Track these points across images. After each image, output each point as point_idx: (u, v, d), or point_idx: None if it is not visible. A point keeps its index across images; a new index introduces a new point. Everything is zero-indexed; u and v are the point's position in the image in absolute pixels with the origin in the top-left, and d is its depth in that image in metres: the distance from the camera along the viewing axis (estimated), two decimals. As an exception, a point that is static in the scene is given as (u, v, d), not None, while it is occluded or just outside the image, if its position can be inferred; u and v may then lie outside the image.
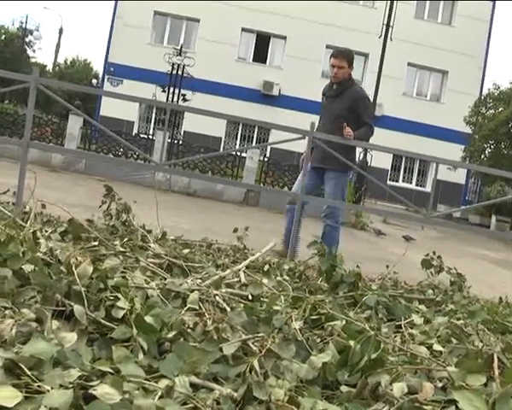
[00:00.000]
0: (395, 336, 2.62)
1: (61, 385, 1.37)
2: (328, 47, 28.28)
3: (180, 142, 15.39)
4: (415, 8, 28.87)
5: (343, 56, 5.45)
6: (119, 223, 4.14)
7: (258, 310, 2.17)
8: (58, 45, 47.35)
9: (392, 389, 1.76)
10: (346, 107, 5.36)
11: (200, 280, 2.54)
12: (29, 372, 1.38)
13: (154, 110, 27.57)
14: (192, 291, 2.23)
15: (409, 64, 29.02)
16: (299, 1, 26.64)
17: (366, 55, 28.35)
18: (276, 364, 1.81)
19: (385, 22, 19.70)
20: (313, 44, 26.95)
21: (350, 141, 5.20)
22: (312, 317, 2.48)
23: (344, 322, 2.40)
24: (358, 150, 21.49)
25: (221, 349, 1.78)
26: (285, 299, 2.70)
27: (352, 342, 2.00)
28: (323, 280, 3.73)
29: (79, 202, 6.01)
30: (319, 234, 5.34)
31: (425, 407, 1.71)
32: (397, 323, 2.97)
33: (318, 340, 2.25)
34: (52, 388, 1.34)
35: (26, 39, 42.12)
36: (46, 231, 3.17)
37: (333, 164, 5.35)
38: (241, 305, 2.32)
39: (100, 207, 4.25)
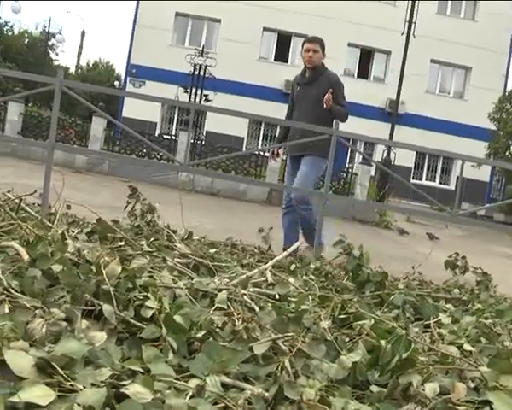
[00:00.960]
0: (424, 336, 2.59)
1: (92, 384, 1.37)
2: (349, 45, 28.25)
3: (203, 142, 15.44)
4: (437, 3, 28.58)
5: (317, 41, 5.57)
6: (144, 223, 4.17)
7: (287, 309, 2.16)
8: (80, 48, 47.99)
9: (424, 390, 1.74)
10: (324, 90, 5.38)
11: (227, 280, 2.53)
12: (61, 371, 1.39)
13: (177, 111, 27.72)
14: (220, 291, 2.22)
15: (431, 61, 28.76)
16: (321, 0, 26.57)
17: (388, 53, 28.21)
18: (306, 363, 1.80)
19: (407, 19, 19.52)
20: (335, 43, 26.82)
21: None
22: (340, 316, 2.47)
23: (372, 321, 2.37)
24: (382, 148, 21.44)
25: (251, 349, 1.77)
26: (312, 298, 2.68)
27: (382, 342, 1.97)
28: (349, 279, 3.71)
29: (104, 203, 6.06)
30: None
31: (458, 407, 1.69)
32: (425, 322, 2.94)
33: (347, 339, 2.23)
34: (84, 387, 1.34)
35: (49, 43, 42.68)
36: (73, 232, 3.19)
37: (312, 151, 5.38)
38: (269, 304, 2.31)
39: (125, 208, 4.28)
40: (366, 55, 29.29)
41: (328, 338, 2.05)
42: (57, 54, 44.68)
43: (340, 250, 3.90)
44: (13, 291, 2.04)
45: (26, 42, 41.15)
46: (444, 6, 29.17)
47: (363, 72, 29.32)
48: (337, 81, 5.59)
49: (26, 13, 54.60)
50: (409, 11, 19.64)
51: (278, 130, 27.57)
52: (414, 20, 19.51)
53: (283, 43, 27.87)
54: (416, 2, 19.54)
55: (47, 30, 42.12)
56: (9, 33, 39.70)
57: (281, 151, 6.23)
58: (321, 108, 5.36)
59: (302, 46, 5.61)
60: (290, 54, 27.74)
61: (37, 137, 13.85)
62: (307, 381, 1.66)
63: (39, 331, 1.68)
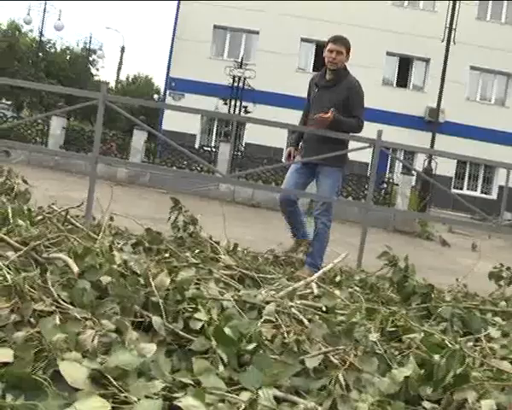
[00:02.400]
0: (475, 350, 2.52)
1: (146, 396, 1.37)
2: (388, 54, 28.00)
3: (242, 153, 15.50)
4: (477, 9, 28.10)
5: (342, 42, 5.19)
6: (187, 235, 4.18)
7: (336, 322, 2.13)
8: (120, 63, 48.68)
9: (480, 407, 1.68)
10: (343, 97, 5.09)
11: (273, 291, 2.52)
12: (115, 383, 1.39)
13: (216, 123, 27.92)
14: (267, 303, 2.21)
15: (471, 68, 28.25)
16: (354, 9, 26.49)
17: (427, 61, 27.86)
18: (358, 377, 1.77)
19: (447, 25, 19.27)
20: (373, 52, 26.67)
21: (318, 130, 5.03)
22: (389, 329, 2.42)
23: (422, 335, 2.32)
24: (422, 158, 21.15)
25: (301, 362, 1.75)
26: (359, 311, 2.64)
27: (434, 356, 1.92)
28: (395, 291, 3.65)
29: (145, 215, 6.12)
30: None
31: (517, 425, 1.63)
32: (475, 336, 2.86)
33: (396, 353, 2.19)
34: (139, 399, 1.34)
35: (90, 58, 43.56)
36: (118, 243, 3.22)
37: (328, 159, 5.05)
38: (316, 317, 2.28)
39: (168, 219, 4.31)
40: (405, 64, 28.99)
41: (378, 352, 2.01)
42: (97, 69, 45.54)
43: (385, 262, 3.84)
44: (63, 303, 2.06)
45: (67, 58, 42.08)
46: (484, 11, 28.65)
47: (402, 80, 29.02)
48: (356, 88, 5.22)
49: (68, 30, 56.02)
50: (449, 17, 19.38)
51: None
52: (454, 27, 19.24)
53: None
54: (457, 8, 19.27)
55: (88, 46, 43.06)
56: (52, 50, 40.67)
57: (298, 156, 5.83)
58: (338, 114, 5.05)
59: (325, 46, 5.23)
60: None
61: (79, 150, 14.12)
62: (359, 395, 1.63)
63: (91, 343, 1.70)
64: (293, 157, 5.49)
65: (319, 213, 5.17)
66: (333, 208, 5.28)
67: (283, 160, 5.60)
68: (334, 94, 5.12)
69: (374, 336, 2.09)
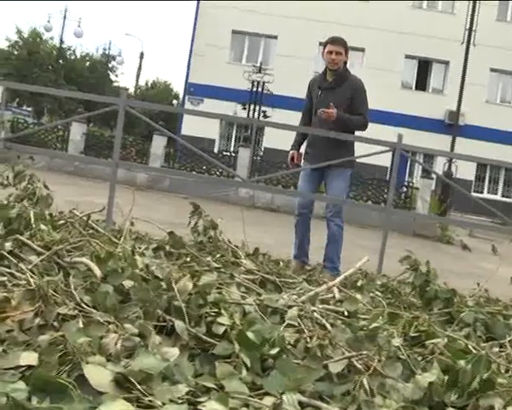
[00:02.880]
0: (499, 356, 2.48)
1: (170, 400, 1.37)
2: (407, 57, 27.85)
3: (261, 158, 15.50)
4: (497, 9, 27.82)
5: (340, 43, 5.20)
6: (207, 239, 4.19)
7: (358, 327, 2.11)
8: (139, 69, 48.92)
9: (506, 413, 1.66)
10: (347, 97, 5.09)
11: (295, 296, 2.51)
12: (139, 387, 1.39)
13: (235, 127, 27.99)
14: (289, 307, 2.20)
15: (491, 70, 27.98)
16: (374, 12, 26.41)
17: (446, 63, 27.66)
18: (382, 383, 1.75)
19: (467, 27, 19.12)
20: (392, 55, 26.57)
21: (337, 134, 4.99)
22: (412, 334, 2.40)
23: (445, 340, 2.30)
24: (442, 161, 20.99)
25: (324, 366, 1.74)
26: (381, 315, 2.62)
27: (458, 362, 1.90)
28: (417, 296, 3.62)
29: (165, 220, 6.13)
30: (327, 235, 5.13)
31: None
32: (499, 341, 2.83)
33: (420, 358, 2.17)
34: (163, 403, 1.34)
35: (109, 65, 43.93)
36: (139, 248, 3.24)
37: (338, 163, 5.06)
38: (339, 321, 2.27)
39: (189, 224, 4.31)
40: (424, 67, 28.81)
41: (402, 357, 1.99)
42: (117, 75, 45.82)
43: (406, 266, 3.80)
44: (86, 307, 2.08)
45: (87, 65, 42.47)
46: (504, 12, 28.35)
47: (422, 83, 28.84)
48: (360, 87, 5.22)
49: (88, 37, 56.66)
50: (468, 19, 19.23)
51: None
52: (474, 28, 19.09)
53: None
54: (476, 9, 19.11)
55: (107, 53, 43.46)
56: (72, 57, 41.09)
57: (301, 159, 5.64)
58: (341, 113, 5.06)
59: (324, 47, 5.23)
60: (347, 66, 27.56)
61: (98, 155, 14.23)
62: (384, 401, 1.61)
63: (114, 346, 1.71)
64: (297, 160, 5.50)
65: (332, 215, 5.16)
66: (344, 209, 5.29)
67: (301, 164, 5.51)
68: (337, 95, 5.13)
69: (397, 341, 2.08)
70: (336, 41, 5.21)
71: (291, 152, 5.49)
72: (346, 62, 5.31)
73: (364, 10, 26.87)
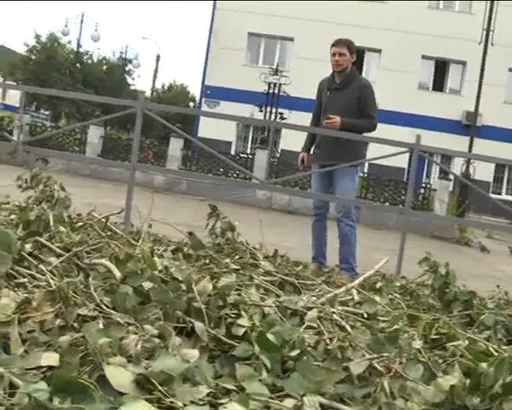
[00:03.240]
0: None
1: (191, 401, 1.37)
2: (424, 57, 27.68)
3: (278, 160, 15.49)
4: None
5: (343, 43, 5.23)
6: (224, 241, 4.19)
7: (378, 329, 2.10)
8: (156, 72, 49.26)
9: (530, 416, 1.64)
10: (355, 98, 5.12)
11: (314, 298, 2.50)
12: (161, 388, 1.40)
13: (251, 130, 28.02)
14: (309, 309, 2.19)
15: (510, 70, 27.70)
16: (391, 13, 26.29)
17: (464, 64, 27.45)
18: (403, 385, 1.74)
19: (484, 27, 18.96)
20: (408, 56, 26.43)
21: (354, 135, 5.04)
22: (432, 336, 2.38)
23: (467, 342, 2.27)
24: (460, 162, 20.82)
25: (345, 368, 1.73)
26: (401, 318, 2.60)
27: (480, 364, 1.88)
28: (436, 298, 3.59)
29: (183, 222, 6.16)
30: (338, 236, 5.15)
31: None
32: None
33: (440, 361, 2.15)
34: (185, 404, 1.34)
35: (126, 68, 44.19)
36: (158, 250, 3.25)
37: (343, 161, 5.08)
38: (358, 323, 2.26)
39: (206, 226, 4.32)
40: (441, 67, 28.62)
41: (423, 359, 1.97)
42: (133, 78, 46.06)
43: (425, 268, 3.77)
44: (105, 308, 2.09)
45: (104, 68, 42.75)
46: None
47: (439, 84, 28.65)
48: (367, 88, 5.25)
49: (105, 41, 57.13)
50: (486, 18, 19.07)
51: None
52: (492, 28, 18.93)
53: (358, 57, 27.49)
54: (494, 9, 18.94)
55: (124, 56, 43.73)
56: (89, 61, 41.39)
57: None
58: (352, 116, 5.11)
59: (330, 50, 5.28)
60: (364, 69, 27.47)
61: (116, 158, 14.32)
62: (405, 403, 1.60)
63: (134, 348, 1.71)
64: (306, 162, 5.56)
65: (342, 215, 5.16)
66: (355, 209, 5.31)
67: (313, 168, 5.55)
68: (345, 96, 5.17)
69: (417, 344, 2.06)
70: (339, 42, 5.25)
71: (301, 154, 5.55)
72: (354, 63, 5.33)
73: (381, 11, 26.78)
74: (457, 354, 2.20)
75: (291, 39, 28.06)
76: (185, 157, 15.29)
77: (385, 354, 1.81)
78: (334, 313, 2.23)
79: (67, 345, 1.75)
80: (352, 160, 5.13)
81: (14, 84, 28.25)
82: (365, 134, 5.42)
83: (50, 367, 1.65)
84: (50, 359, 1.67)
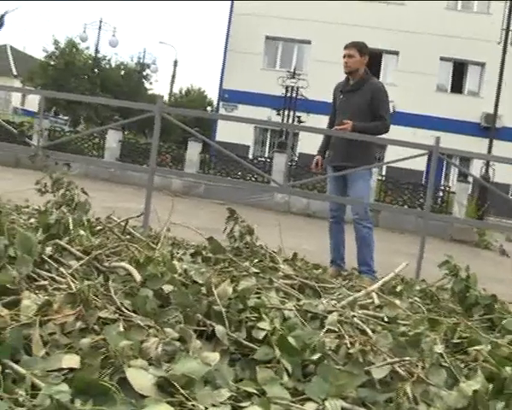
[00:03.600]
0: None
1: (213, 405, 1.37)
2: (442, 59, 27.45)
3: (296, 163, 15.48)
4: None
5: (352, 45, 5.28)
6: (243, 245, 4.19)
7: (399, 333, 2.08)
8: (173, 76, 49.35)
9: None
10: (367, 100, 5.14)
11: (334, 301, 2.49)
12: (182, 391, 1.39)
13: (269, 133, 28.01)
14: (329, 312, 2.18)
15: (529, 70, 27.38)
16: (409, 14, 26.14)
17: (482, 65, 27.19)
18: (425, 390, 1.71)
19: (503, 27, 18.78)
20: (426, 58, 26.24)
21: (372, 137, 5.06)
22: (454, 340, 2.35)
23: (489, 347, 2.24)
24: (479, 165, 20.63)
25: (367, 373, 1.71)
26: (422, 322, 2.58)
27: (503, 369, 1.85)
28: (457, 302, 3.55)
29: (202, 225, 6.16)
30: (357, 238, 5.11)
31: None
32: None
33: (462, 365, 2.12)
34: (206, 407, 1.34)
35: (144, 73, 44.41)
36: (177, 253, 3.26)
37: (357, 162, 5.09)
38: (379, 327, 2.24)
39: (225, 230, 4.32)
40: (459, 69, 28.36)
41: (445, 364, 1.95)
42: (151, 83, 46.17)
43: (445, 271, 3.74)
44: (126, 311, 2.09)
45: (122, 73, 42.96)
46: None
47: (457, 86, 28.38)
48: (381, 89, 5.27)
49: (123, 46, 57.46)
50: (505, 19, 18.88)
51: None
52: (511, 28, 18.75)
53: (374, 61, 27.40)
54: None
55: (141, 61, 43.94)
56: (107, 66, 41.64)
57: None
58: (365, 118, 5.12)
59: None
60: (381, 72, 27.35)
61: (134, 162, 14.40)
62: (428, 409, 1.58)
63: (154, 350, 1.71)
64: (321, 166, 5.58)
65: (359, 217, 5.15)
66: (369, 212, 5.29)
67: (328, 169, 5.56)
68: (358, 98, 5.21)
69: (439, 348, 2.03)
70: (349, 45, 5.32)
71: (316, 158, 5.58)
72: (368, 66, 5.35)
73: (398, 13, 26.64)
74: (480, 358, 2.17)
75: (308, 42, 28.01)
76: (203, 161, 15.33)
77: (407, 359, 1.79)
78: (354, 316, 2.22)
79: (88, 347, 1.75)
80: (366, 161, 5.16)
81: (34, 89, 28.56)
82: (383, 136, 5.41)
83: (71, 369, 1.65)
84: (71, 361, 1.68)
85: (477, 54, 26.57)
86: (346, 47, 5.29)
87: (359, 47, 5.28)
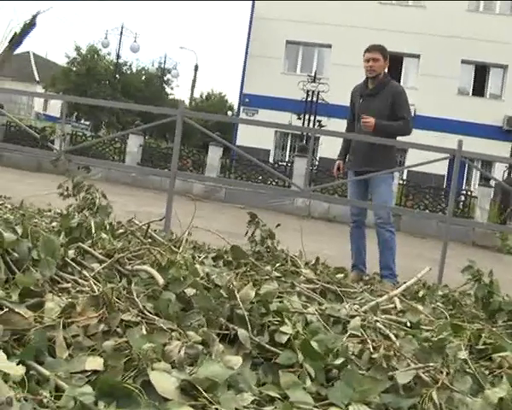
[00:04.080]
0: None
1: (236, 409, 1.36)
2: (463, 62, 27.18)
3: (317, 167, 15.46)
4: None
5: (377, 49, 5.21)
6: (264, 249, 4.19)
7: (421, 338, 2.06)
8: (194, 81, 49.64)
9: None
10: (388, 104, 5.10)
11: (357, 306, 2.47)
12: (205, 394, 1.39)
13: (290, 137, 28.00)
14: (351, 317, 2.17)
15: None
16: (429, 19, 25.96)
17: (505, 68, 26.87)
18: (450, 397, 1.69)
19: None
20: (448, 61, 26.01)
21: (393, 141, 5.07)
22: (478, 347, 2.32)
23: (514, 353, 2.21)
24: (501, 168, 20.39)
25: (390, 378, 1.69)
26: (446, 327, 2.55)
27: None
28: (480, 308, 3.50)
29: (223, 229, 6.17)
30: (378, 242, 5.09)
31: None
32: None
33: (487, 372, 2.09)
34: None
35: (165, 78, 44.70)
36: (199, 257, 3.27)
37: (379, 166, 5.06)
38: (402, 332, 2.22)
39: (246, 234, 4.33)
40: (481, 72, 28.07)
41: (469, 370, 1.92)
42: (172, 88, 46.54)
43: (468, 277, 3.69)
44: (148, 314, 2.10)
45: (143, 79, 43.29)
46: None
47: (479, 89, 28.07)
48: (401, 93, 5.23)
49: (144, 51, 58.03)
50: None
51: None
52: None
53: (395, 64, 27.25)
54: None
55: (162, 66, 44.26)
56: (128, 72, 42.00)
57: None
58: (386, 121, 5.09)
59: (363, 56, 5.28)
60: (402, 75, 27.17)
61: (154, 167, 14.49)
62: (453, 415, 1.56)
63: (177, 354, 1.71)
64: (342, 170, 5.56)
65: (382, 221, 5.13)
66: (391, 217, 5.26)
67: (349, 174, 5.55)
68: (378, 102, 5.17)
69: (464, 354, 2.01)
70: (372, 48, 5.26)
71: (337, 162, 5.55)
72: (388, 69, 5.32)
73: (419, 16, 26.46)
74: (505, 365, 2.14)
75: (329, 46, 27.95)
76: (224, 165, 15.38)
77: (431, 364, 1.77)
78: (377, 321, 2.20)
79: (111, 350, 1.76)
80: (387, 165, 5.14)
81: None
82: (405, 140, 5.38)
83: (95, 371, 1.66)
84: (95, 363, 1.69)
85: (499, 56, 26.27)
86: (370, 50, 5.23)
87: (382, 51, 5.24)
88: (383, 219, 5.11)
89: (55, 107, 43.69)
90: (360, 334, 2.03)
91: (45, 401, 1.45)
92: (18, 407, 1.24)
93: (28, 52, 47.37)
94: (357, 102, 5.38)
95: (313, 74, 20.53)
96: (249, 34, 28.73)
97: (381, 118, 5.08)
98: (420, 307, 2.88)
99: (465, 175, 24.49)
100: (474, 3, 27.68)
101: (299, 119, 18.04)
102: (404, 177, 18.87)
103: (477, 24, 26.39)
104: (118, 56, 38.51)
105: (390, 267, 5.01)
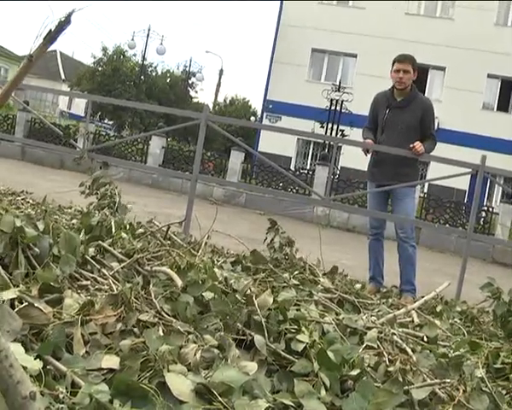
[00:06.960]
0: None
1: (250, 415, 1.36)
2: (489, 76, 26.91)
3: (338, 177, 15.41)
4: None
5: (409, 60, 5.06)
6: (282, 256, 4.18)
7: (440, 354, 2.04)
8: (218, 85, 49.79)
9: None
10: (417, 117, 5.00)
11: (374, 317, 2.46)
12: (221, 399, 1.40)
13: (312, 146, 27.95)
14: (368, 329, 2.15)
15: None
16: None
17: (529, 80, 26.54)
18: (466, 414, 1.68)
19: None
20: (474, 75, 25.79)
21: (422, 156, 4.98)
22: (495, 366, 2.29)
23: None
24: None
25: (405, 392, 1.68)
26: (463, 344, 2.52)
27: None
28: (498, 326, 3.46)
29: (242, 235, 6.18)
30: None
31: None
32: None
33: (504, 392, 2.06)
34: (244, 417, 1.33)
35: (190, 81, 44.92)
36: (218, 261, 3.27)
37: (405, 180, 4.98)
38: (419, 347, 2.20)
39: (265, 240, 4.32)
40: (506, 87, 27.74)
41: (486, 389, 1.90)
42: (196, 91, 46.70)
43: (487, 294, 3.65)
44: (166, 315, 2.11)
45: (168, 81, 43.51)
46: None
47: (504, 104, 27.78)
48: (430, 107, 5.14)
49: (170, 54, 58.43)
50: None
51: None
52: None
53: (420, 75, 26.92)
54: None
55: (187, 69, 44.48)
56: (153, 73, 42.26)
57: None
58: (413, 135, 4.98)
59: (392, 65, 5.12)
60: (427, 86, 27.01)
61: (176, 169, 14.55)
62: (468, 433, 1.54)
63: (193, 357, 1.72)
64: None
65: (406, 236, 5.06)
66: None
67: (370, 186, 5.46)
68: (407, 115, 5.06)
69: (481, 372, 1.98)
70: (404, 59, 5.10)
71: (367, 140, 5.27)
72: (414, 81, 5.19)
73: (445, 28, 26.29)
74: (523, 385, 2.11)
75: (354, 56, 27.90)
76: (245, 171, 15.39)
77: (447, 381, 1.75)
78: (394, 334, 2.19)
79: (128, 349, 1.77)
80: (412, 178, 5.09)
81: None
82: (430, 154, 5.31)
83: (111, 370, 1.67)
84: (111, 361, 1.70)
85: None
86: (401, 61, 5.07)
87: (413, 62, 5.12)
88: (407, 233, 5.05)
89: (80, 105, 44.16)
90: (376, 346, 2.02)
91: (61, 396, 1.46)
92: (40, 401, 1.24)
93: (55, 50, 47.95)
94: (382, 112, 5.23)
95: (338, 83, 20.47)
96: (275, 40, 28.78)
97: (410, 131, 5.00)
98: (437, 323, 2.86)
99: (487, 191, 24.21)
100: (502, 18, 27.43)
101: (322, 127, 18.00)
102: (425, 190, 18.72)
103: (504, 38, 26.15)
104: (143, 58, 38.80)
105: (411, 282, 4.96)
